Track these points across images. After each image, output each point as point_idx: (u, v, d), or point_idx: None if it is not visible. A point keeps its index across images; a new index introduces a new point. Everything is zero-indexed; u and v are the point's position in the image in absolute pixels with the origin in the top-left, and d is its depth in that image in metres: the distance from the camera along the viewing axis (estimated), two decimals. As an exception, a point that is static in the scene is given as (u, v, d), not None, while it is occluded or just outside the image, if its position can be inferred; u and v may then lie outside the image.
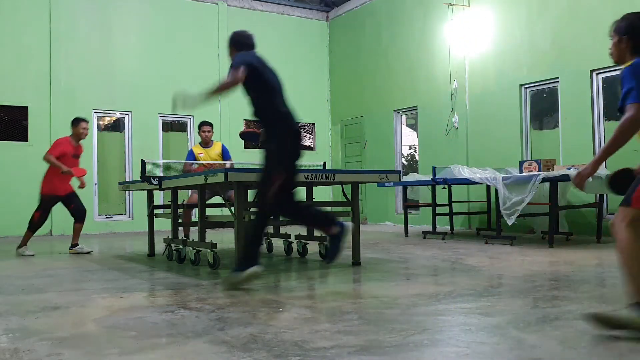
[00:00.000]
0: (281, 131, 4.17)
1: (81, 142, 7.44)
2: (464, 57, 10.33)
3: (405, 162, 15.58)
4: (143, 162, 6.25)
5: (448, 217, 9.10)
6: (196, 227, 5.87)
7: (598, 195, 7.32)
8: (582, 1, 8.26)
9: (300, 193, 7.23)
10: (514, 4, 9.44)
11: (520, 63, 9.23)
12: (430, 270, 5.07)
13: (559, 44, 8.63)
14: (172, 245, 6.08)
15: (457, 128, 10.40)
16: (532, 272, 4.71)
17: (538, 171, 7.00)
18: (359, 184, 5.69)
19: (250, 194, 7.44)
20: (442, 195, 8.98)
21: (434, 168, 8.46)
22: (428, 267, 5.24)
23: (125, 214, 11.69)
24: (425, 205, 9.01)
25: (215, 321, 3.08)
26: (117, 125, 11.94)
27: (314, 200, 6.36)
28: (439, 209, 8.78)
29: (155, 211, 6.78)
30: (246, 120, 13.48)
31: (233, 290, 4.03)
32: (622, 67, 3.02)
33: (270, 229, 7.20)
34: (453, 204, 9.09)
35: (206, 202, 6.06)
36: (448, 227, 9.29)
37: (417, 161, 12.43)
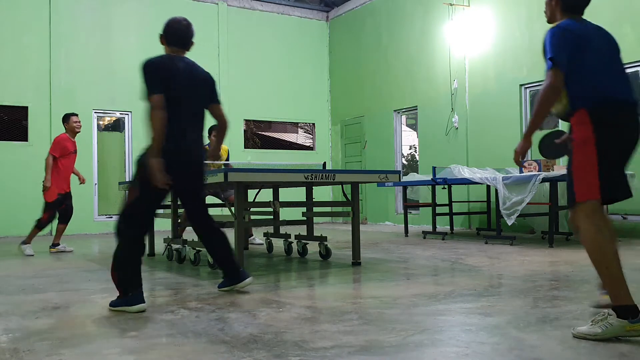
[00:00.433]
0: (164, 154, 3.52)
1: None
2: (464, 57, 10.33)
3: (405, 162, 15.59)
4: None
5: (448, 217, 9.10)
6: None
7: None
8: (582, 1, 8.24)
9: (299, 194, 7.27)
10: (514, 4, 9.44)
11: (520, 63, 9.23)
12: (430, 270, 5.07)
13: (559, 44, 8.61)
14: (172, 245, 6.08)
15: (457, 128, 10.40)
16: (532, 272, 4.71)
17: (538, 171, 7.00)
18: (359, 184, 5.69)
19: (251, 194, 7.47)
20: (442, 195, 8.98)
21: (434, 168, 8.45)
22: (428, 267, 5.24)
23: (125, 214, 11.68)
24: (425, 205, 9.00)
25: (215, 321, 3.08)
26: (117, 125, 11.94)
27: (314, 200, 6.36)
28: (439, 209, 8.78)
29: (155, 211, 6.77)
30: (246, 120, 13.50)
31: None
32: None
33: (270, 229, 7.22)
34: (453, 204, 9.09)
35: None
36: (448, 227, 9.29)
37: (417, 161, 12.44)
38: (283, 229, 6.97)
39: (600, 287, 2.81)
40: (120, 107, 11.57)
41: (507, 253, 6.12)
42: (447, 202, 8.95)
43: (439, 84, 10.85)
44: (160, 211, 6.96)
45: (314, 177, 5.00)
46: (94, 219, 11.23)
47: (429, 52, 11.16)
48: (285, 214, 7.34)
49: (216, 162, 7.34)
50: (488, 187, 8.49)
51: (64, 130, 7.53)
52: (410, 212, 10.47)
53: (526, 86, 9.24)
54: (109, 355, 2.48)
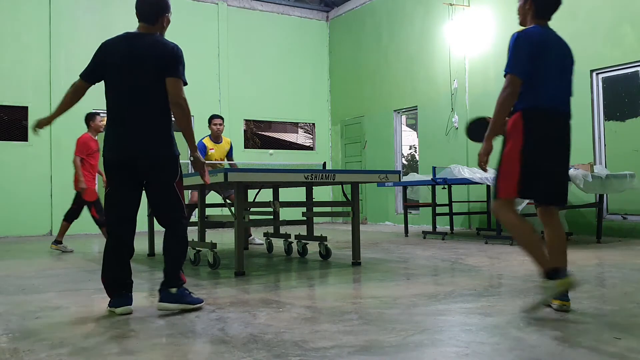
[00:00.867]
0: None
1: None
2: (464, 57, 10.33)
3: (405, 162, 15.59)
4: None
5: (448, 217, 9.10)
6: (195, 227, 5.88)
7: (598, 195, 7.31)
8: (582, 1, 8.25)
9: (299, 194, 7.29)
10: (514, 4, 9.34)
11: (520, 63, 9.22)
12: (430, 270, 5.07)
13: (559, 44, 8.61)
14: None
15: (457, 128, 10.39)
16: (532, 272, 4.71)
17: (538, 171, 6.98)
18: (359, 184, 5.69)
19: (251, 194, 7.47)
20: (442, 195, 8.98)
21: (434, 168, 8.45)
22: (428, 267, 5.24)
23: (125, 214, 11.67)
24: (425, 205, 9.00)
25: (215, 321, 3.08)
26: (117, 125, 11.93)
27: (314, 200, 6.36)
28: (439, 209, 8.78)
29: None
30: (246, 120, 13.50)
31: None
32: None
33: (270, 229, 7.22)
34: (453, 204, 9.08)
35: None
36: (448, 227, 9.29)
37: (417, 161, 12.44)
38: (283, 229, 6.97)
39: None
40: (120, 107, 11.55)
41: (507, 253, 6.12)
42: (447, 202, 8.95)
43: (439, 84, 10.85)
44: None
45: (314, 177, 4.99)
46: (94, 219, 11.22)
47: (429, 52, 11.16)
48: (285, 214, 7.35)
49: (211, 161, 7.32)
50: (488, 187, 8.48)
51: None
52: (410, 212, 10.48)
53: (526, 86, 9.23)
54: (109, 355, 2.48)
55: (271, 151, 6.72)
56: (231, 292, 4.03)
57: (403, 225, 9.31)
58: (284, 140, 16.51)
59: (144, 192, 3.45)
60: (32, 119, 10.79)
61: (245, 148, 13.22)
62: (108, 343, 2.70)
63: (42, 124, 3.68)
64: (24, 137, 10.86)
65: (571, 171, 6.60)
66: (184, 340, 2.70)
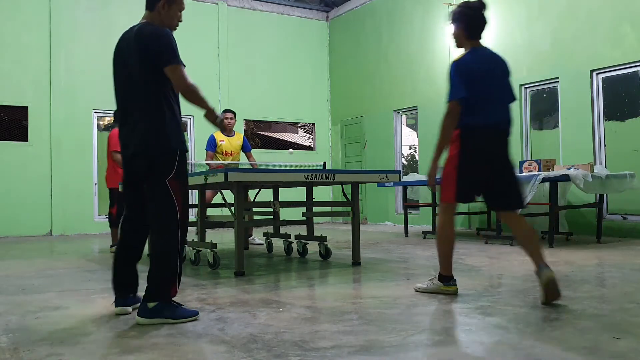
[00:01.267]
0: None
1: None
2: (464, 57, 10.32)
3: (405, 162, 15.58)
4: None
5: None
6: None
7: (598, 195, 7.32)
8: (582, 1, 8.26)
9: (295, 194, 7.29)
10: (514, 4, 9.44)
11: (520, 63, 9.22)
12: (430, 270, 5.06)
13: (559, 44, 8.62)
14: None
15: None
16: (532, 272, 4.69)
17: (538, 171, 7.00)
18: (359, 184, 5.69)
19: (251, 194, 7.48)
20: (442, 195, 8.97)
21: (434, 168, 8.44)
22: (428, 267, 5.23)
23: (125, 214, 11.67)
24: (425, 205, 9.00)
25: (215, 321, 3.08)
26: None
27: (314, 200, 6.36)
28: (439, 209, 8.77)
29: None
30: (246, 120, 13.50)
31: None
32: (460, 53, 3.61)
33: (270, 229, 7.22)
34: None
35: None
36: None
37: (417, 161, 12.43)
38: (283, 229, 6.97)
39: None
40: (120, 107, 11.54)
41: (507, 253, 6.12)
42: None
43: (439, 84, 10.84)
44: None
45: (314, 177, 4.99)
46: (94, 219, 11.22)
47: (429, 52, 11.16)
48: (285, 214, 7.34)
49: (223, 162, 7.29)
50: (488, 187, 8.48)
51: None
52: (410, 212, 10.48)
53: (526, 86, 9.24)
54: (109, 355, 2.48)
55: (291, 150, 6.66)
56: (231, 292, 4.03)
57: (403, 225, 9.31)
58: (284, 140, 16.50)
59: None
60: (32, 119, 10.80)
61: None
62: (108, 343, 2.70)
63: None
64: (24, 137, 10.85)
65: (571, 171, 6.60)
66: (184, 340, 2.70)
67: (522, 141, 9.28)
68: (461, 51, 3.71)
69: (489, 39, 9.86)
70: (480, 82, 3.48)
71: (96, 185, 11.29)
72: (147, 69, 3.14)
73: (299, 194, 7.75)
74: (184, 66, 3.16)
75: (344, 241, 7.83)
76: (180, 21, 3.39)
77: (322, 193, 12.63)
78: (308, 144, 15.10)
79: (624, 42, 7.77)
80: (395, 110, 12.11)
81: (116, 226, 6.99)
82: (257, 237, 7.95)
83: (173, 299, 3.19)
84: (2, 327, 3.03)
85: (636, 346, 2.45)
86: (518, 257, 5.75)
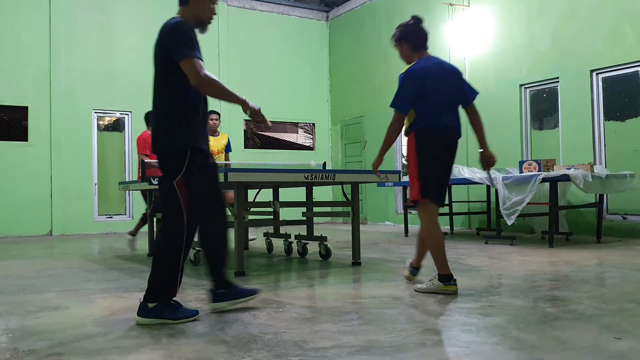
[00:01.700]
0: None
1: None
2: (464, 57, 10.32)
3: (405, 162, 15.58)
4: (143, 163, 6.25)
5: (448, 217, 9.10)
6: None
7: (598, 195, 7.32)
8: (582, 1, 8.26)
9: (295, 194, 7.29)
10: (514, 4, 9.43)
11: (520, 63, 9.23)
12: (431, 270, 5.05)
13: (559, 44, 8.62)
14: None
15: (457, 128, 10.39)
16: (532, 272, 4.71)
17: (538, 171, 7.00)
18: (359, 184, 5.69)
19: (251, 194, 7.47)
20: (442, 195, 8.96)
21: (434, 168, 8.43)
22: (428, 267, 5.22)
23: (125, 214, 11.69)
24: (425, 205, 8.98)
25: (215, 321, 3.08)
26: (117, 125, 11.93)
27: (314, 200, 6.36)
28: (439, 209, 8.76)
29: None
30: (246, 120, 13.50)
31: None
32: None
33: (270, 229, 7.22)
34: (453, 204, 9.08)
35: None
36: (448, 227, 9.29)
37: (417, 161, 12.40)
38: (283, 229, 6.97)
39: (410, 265, 4.29)
40: (120, 107, 11.56)
41: (507, 253, 6.12)
42: (447, 202, 8.94)
43: (439, 84, 10.83)
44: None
45: (314, 177, 5.00)
46: (94, 219, 11.23)
47: (429, 52, 11.13)
48: (285, 214, 7.34)
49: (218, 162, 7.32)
50: (488, 187, 8.49)
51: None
52: (410, 212, 10.45)
53: (526, 86, 9.24)
54: (109, 355, 2.48)
55: (313, 161, 6.63)
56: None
57: (403, 225, 9.31)
58: (284, 140, 16.50)
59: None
60: (32, 119, 10.81)
61: (245, 148, 13.23)
62: (108, 343, 2.70)
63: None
64: (24, 137, 10.86)
65: (571, 171, 6.60)
66: (184, 340, 2.70)
67: (522, 141, 9.28)
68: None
69: (489, 39, 9.87)
70: (430, 88, 3.82)
71: (96, 186, 11.30)
72: (167, 65, 3.08)
73: (299, 194, 7.76)
74: (201, 60, 3.04)
75: (344, 241, 7.83)
76: (215, 14, 3.31)
77: (322, 193, 12.63)
78: (308, 144, 15.10)
79: (624, 42, 7.77)
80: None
81: (145, 221, 6.97)
82: (251, 233, 7.93)
83: (173, 299, 3.19)
84: (2, 327, 3.03)
85: (636, 346, 2.45)
86: (518, 257, 5.75)
